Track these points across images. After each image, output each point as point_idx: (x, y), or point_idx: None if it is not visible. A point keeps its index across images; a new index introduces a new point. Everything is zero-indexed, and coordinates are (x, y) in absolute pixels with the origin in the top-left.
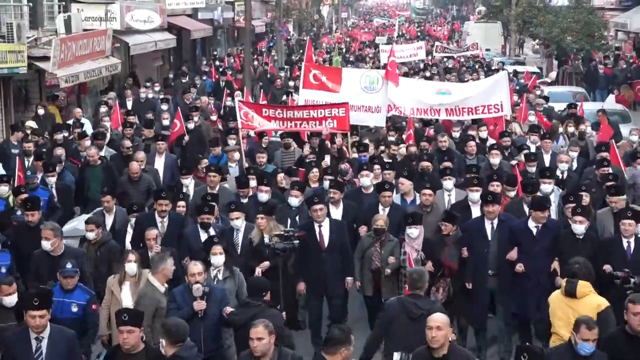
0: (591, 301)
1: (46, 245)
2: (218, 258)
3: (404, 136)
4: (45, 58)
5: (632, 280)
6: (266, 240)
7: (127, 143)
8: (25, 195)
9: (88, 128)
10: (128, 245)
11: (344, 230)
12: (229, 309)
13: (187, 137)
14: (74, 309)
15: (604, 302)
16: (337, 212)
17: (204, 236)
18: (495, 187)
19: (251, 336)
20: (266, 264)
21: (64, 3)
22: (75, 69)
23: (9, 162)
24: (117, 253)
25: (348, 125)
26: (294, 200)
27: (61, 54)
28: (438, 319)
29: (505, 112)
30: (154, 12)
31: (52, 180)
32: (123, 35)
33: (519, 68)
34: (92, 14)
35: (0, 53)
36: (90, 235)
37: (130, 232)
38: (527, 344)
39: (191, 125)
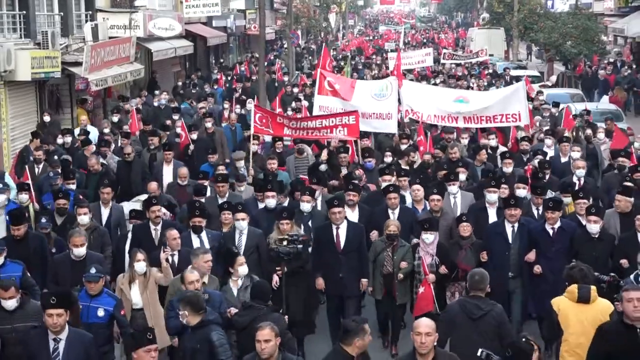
0: (602, 305)
1: (81, 251)
2: (244, 268)
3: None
4: (77, 64)
5: (621, 283)
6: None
7: (128, 149)
8: (12, 208)
9: (94, 135)
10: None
11: (362, 233)
12: (233, 310)
13: (192, 147)
14: (100, 314)
15: (610, 304)
16: (353, 215)
17: (196, 241)
18: (503, 189)
19: (258, 338)
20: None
21: (90, 12)
22: (104, 73)
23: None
24: (107, 238)
25: (358, 133)
26: (306, 206)
27: (91, 60)
28: (427, 324)
29: (523, 121)
30: (174, 20)
31: (72, 187)
32: (145, 42)
33: (520, 72)
34: (116, 22)
35: (38, 59)
36: (85, 219)
37: (130, 237)
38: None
39: (194, 136)
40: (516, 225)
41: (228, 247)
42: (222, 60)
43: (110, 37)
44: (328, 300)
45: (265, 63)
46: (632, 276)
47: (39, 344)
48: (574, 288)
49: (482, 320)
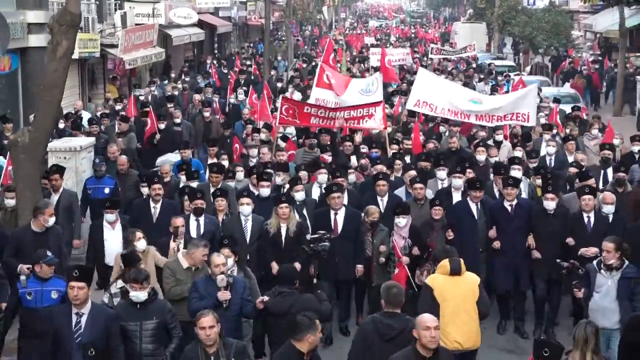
0: (471, 277)
1: (51, 220)
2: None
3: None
4: (111, 45)
5: (580, 271)
6: (283, 230)
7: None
8: None
9: (86, 119)
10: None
11: (358, 220)
12: (265, 298)
13: (158, 136)
14: (54, 296)
15: (476, 276)
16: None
17: (193, 224)
18: (469, 174)
19: (203, 325)
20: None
21: (119, 1)
22: (134, 54)
23: (4, 153)
24: None
25: (385, 122)
26: (299, 195)
27: (125, 43)
28: (433, 318)
29: (531, 122)
30: (191, 9)
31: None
32: (165, 28)
33: (498, 62)
34: (141, 11)
35: (83, 41)
36: (11, 203)
37: (105, 223)
38: (546, 338)
39: (162, 125)
40: (479, 203)
41: (231, 234)
42: (216, 52)
43: (136, 24)
44: (322, 283)
45: (251, 53)
46: (594, 262)
47: (63, 319)
48: (445, 262)
49: (395, 340)
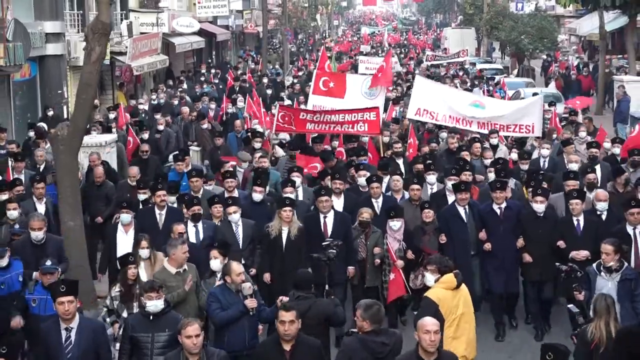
0: (463, 285)
1: (39, 235)
2: (214, 262)
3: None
4: (119, 53)
5: (578, 273)
6: (284, 233)
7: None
8: None
9: None
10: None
11: (348, 222)
12: (285, 299)
13: (145, 147)
14: None
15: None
16: (339, 203)
17: (192, 230)
18: (467, 176)
19: (190, 334)
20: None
21: (124, 12)
22: (141, 62)
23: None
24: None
25: (379, 128)
26: (289, 197)
27: (133, 50)
28: (434, 322)
29: (536, 133)
30: (192, 19)
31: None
32: (168, 37)
33: (487, 66)
34: (146, 21)
35: None
36: (14, 214)
37: (120, 226)
38: (553, 342)
39: (145, 135)
40: (467, 207)
41: (222, 239)
42: (209, 61)
43: (141, 33)
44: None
45: (249, 60)
46: (594, 265)
47: (52, 335)
48: (450, 277)
49: (388, 356)
